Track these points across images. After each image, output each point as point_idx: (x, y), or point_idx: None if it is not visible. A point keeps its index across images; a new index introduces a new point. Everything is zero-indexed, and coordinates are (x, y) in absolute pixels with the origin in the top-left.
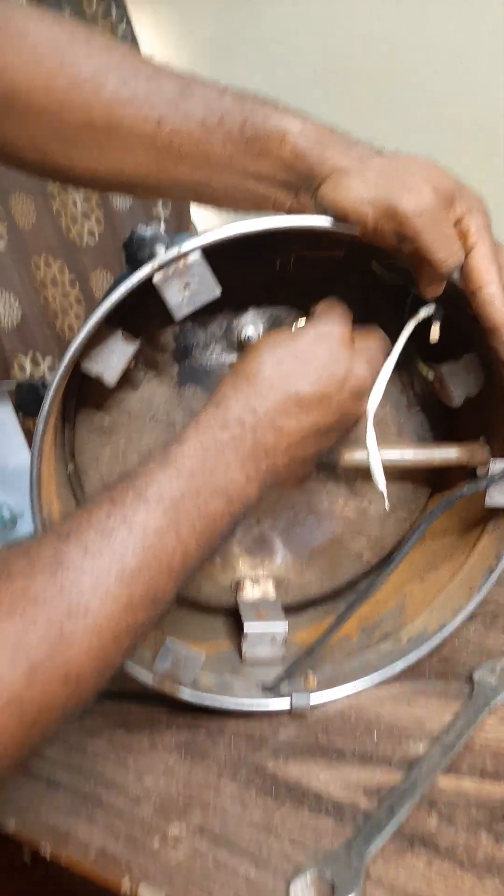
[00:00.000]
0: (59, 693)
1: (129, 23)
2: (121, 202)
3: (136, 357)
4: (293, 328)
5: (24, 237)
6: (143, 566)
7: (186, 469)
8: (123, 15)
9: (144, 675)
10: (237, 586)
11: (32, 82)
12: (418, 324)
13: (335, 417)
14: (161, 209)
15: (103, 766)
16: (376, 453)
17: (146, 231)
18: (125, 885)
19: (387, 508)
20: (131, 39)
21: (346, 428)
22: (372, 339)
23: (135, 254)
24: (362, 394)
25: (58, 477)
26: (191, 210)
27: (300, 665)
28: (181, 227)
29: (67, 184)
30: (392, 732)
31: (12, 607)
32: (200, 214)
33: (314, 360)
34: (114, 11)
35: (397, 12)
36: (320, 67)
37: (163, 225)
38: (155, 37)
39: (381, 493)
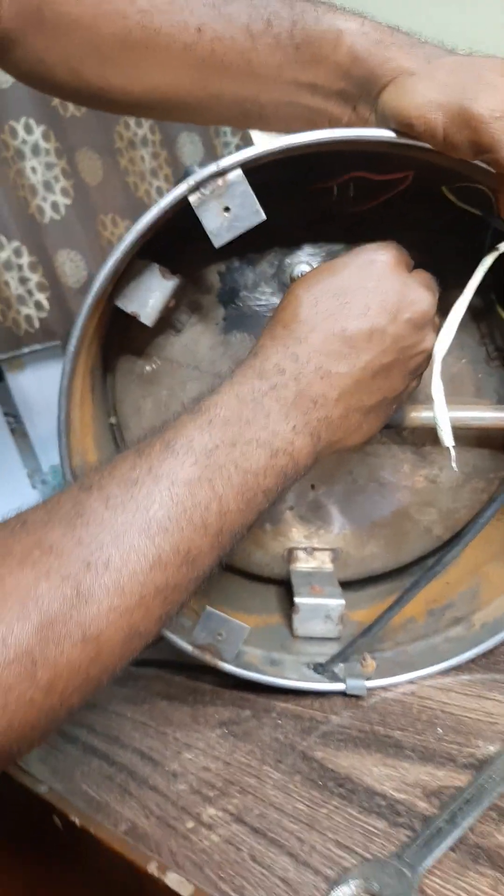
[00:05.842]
0: (77, 655)
1: None
2: (190, 157)
3: (179, 297)
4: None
5: (90, 195)
6: (172, 519)
7: (220, 418)
8: None
9: (183, 643)
10: (290, 556)
11: None
12: (498, 263)
13: (393, 355)
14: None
15: (141, 737)
16: (442, 402)
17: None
18: (152, 869)
19: (454, 468)
20: None
21: (413, 368)
22: (422, 273)
23: None
24: (423, 323)
25: (97, 427)
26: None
27: (357, 645)
28: None
29: (100, 108)
30: (459, 728)
31: (24, 558)
32: None
33: (358, 291)
34: None
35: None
36: None
37: None
38: None
39: (449, 452)
